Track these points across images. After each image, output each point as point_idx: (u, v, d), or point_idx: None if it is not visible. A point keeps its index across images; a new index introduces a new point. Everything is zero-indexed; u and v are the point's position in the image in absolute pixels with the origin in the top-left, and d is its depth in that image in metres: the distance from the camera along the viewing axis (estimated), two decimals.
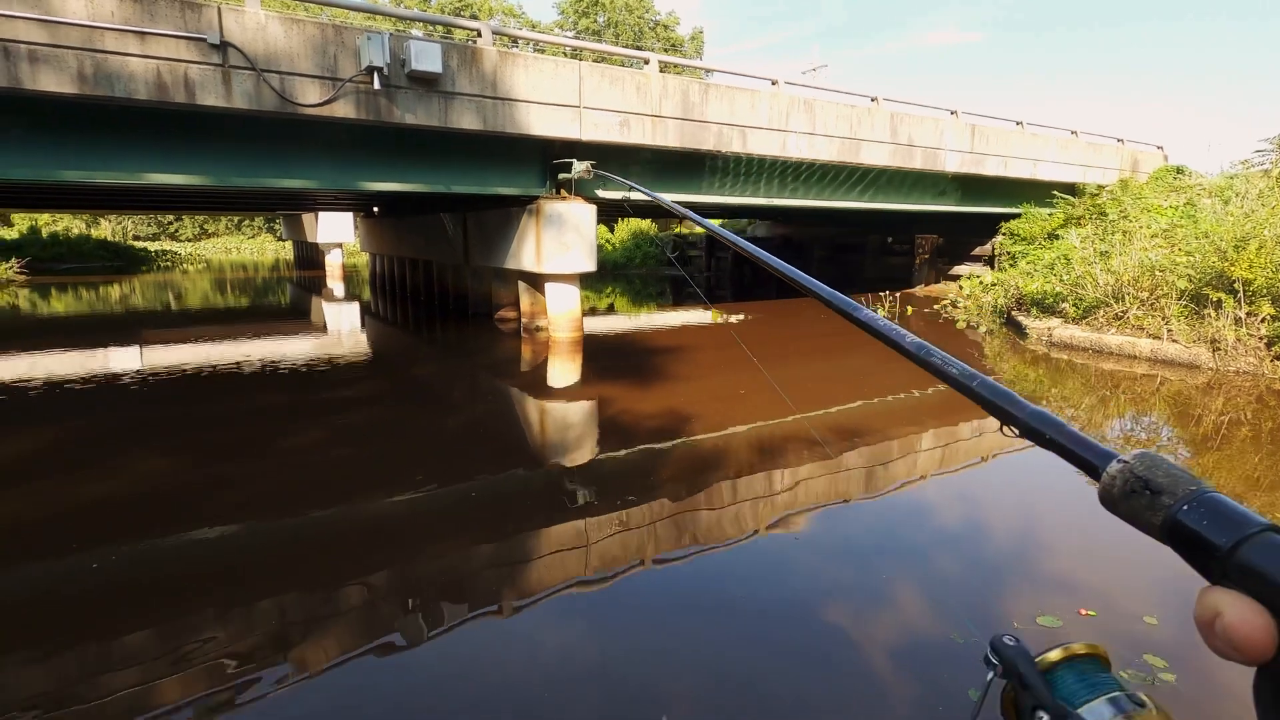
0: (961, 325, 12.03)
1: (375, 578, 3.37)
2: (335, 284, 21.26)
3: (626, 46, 36.69)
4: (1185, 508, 0.35)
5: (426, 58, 7.34)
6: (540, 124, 8.47)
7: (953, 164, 12.80)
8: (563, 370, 8.51)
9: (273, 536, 3.85)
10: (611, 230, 28.89)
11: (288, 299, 18.65)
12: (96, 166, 6.89)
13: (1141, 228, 11.20)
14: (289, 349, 9.90)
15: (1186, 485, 0.36)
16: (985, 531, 4.01)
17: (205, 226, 51.95)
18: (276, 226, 47.57)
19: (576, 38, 36.03)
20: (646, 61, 9.51)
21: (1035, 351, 9.55)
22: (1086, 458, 0.44)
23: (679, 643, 2.78)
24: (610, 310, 15.69)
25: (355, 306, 16.05)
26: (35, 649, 2.74)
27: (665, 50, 38.55)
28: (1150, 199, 13.43)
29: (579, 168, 8.82)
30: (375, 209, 17.93)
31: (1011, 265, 14.40)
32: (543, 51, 10.84)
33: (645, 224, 28.58)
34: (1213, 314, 8.37)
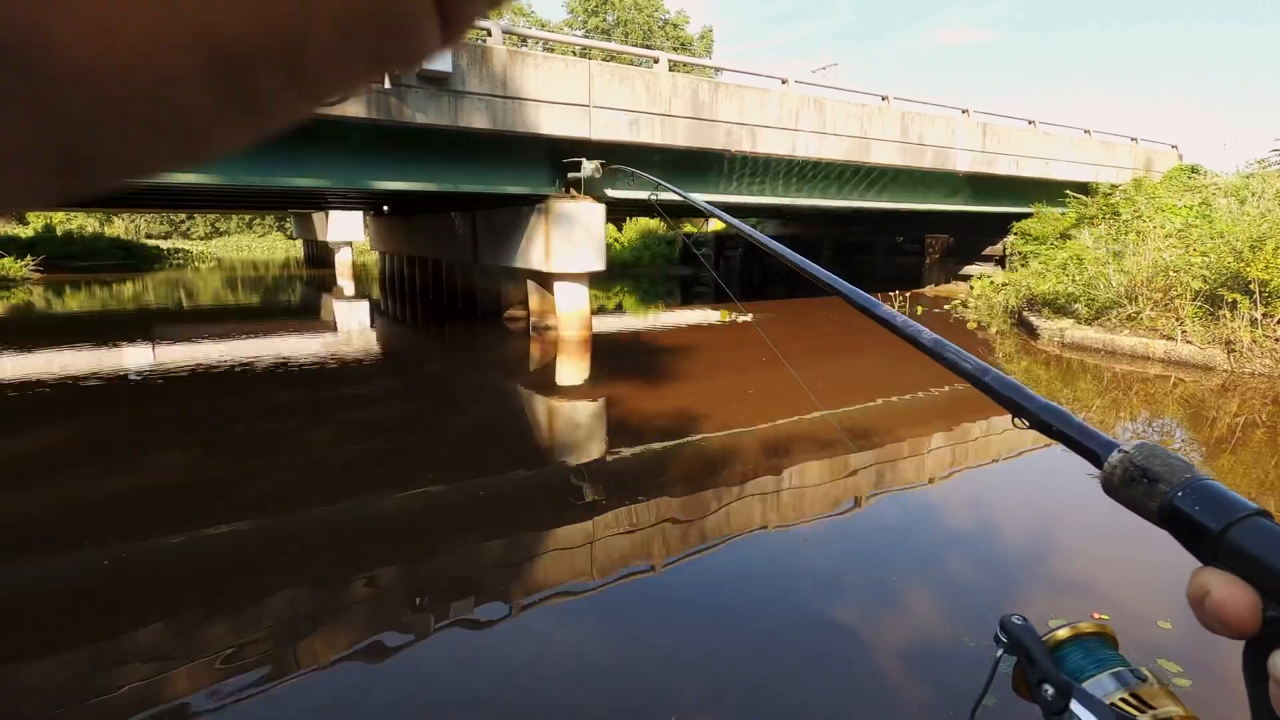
0: (972, 326, 11.95)
1: (384, 574, 3.38)
2: (345, 282, 21.36)
3: (636, 45, 36.70)
4: (1180, 494, 0.37)
5: (437, 57, 7.34)
6: (549, 123, 8.48)
7: (964, 163, 12.71)
8: (571, 369, 8.51)
9: (283, 533, 3.87)
10: (620, 230, 28.90)
11: (298, 297, 18.77)
12: None
13: (1156, 228, 11.08)
14: (299, 347, 9.96)
15: (1182, 473, 0.38)
16: (998, 533, 3.98)
17: (217, 225, 52.35)
18: (287, 225, 47.86)
19: (586, 37, 36.05)
20: (656, 60, 9.50)
21: (1047, 352, 9.48)
22: (1090, 447, 0.46)
23: (688, 643, 2.77)
24: (619, 309, 15.70)
25: (365, 305, 16.13)
26: (49, 642, 2.77)
27: (674, 49, 38.50)
28: (1164, 199, 13.29)
29: (588, 167, 8.83)
30: (385, 208, 18.01)
31: (1023, 265, 14.28)
32: (552, 51, 10.85)
33: (654, 223, 28.56)
34: (1228, 315, 8.27)
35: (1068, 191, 14.59)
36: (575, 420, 6.42)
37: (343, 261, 23.51)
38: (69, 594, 3.15)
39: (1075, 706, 0.43)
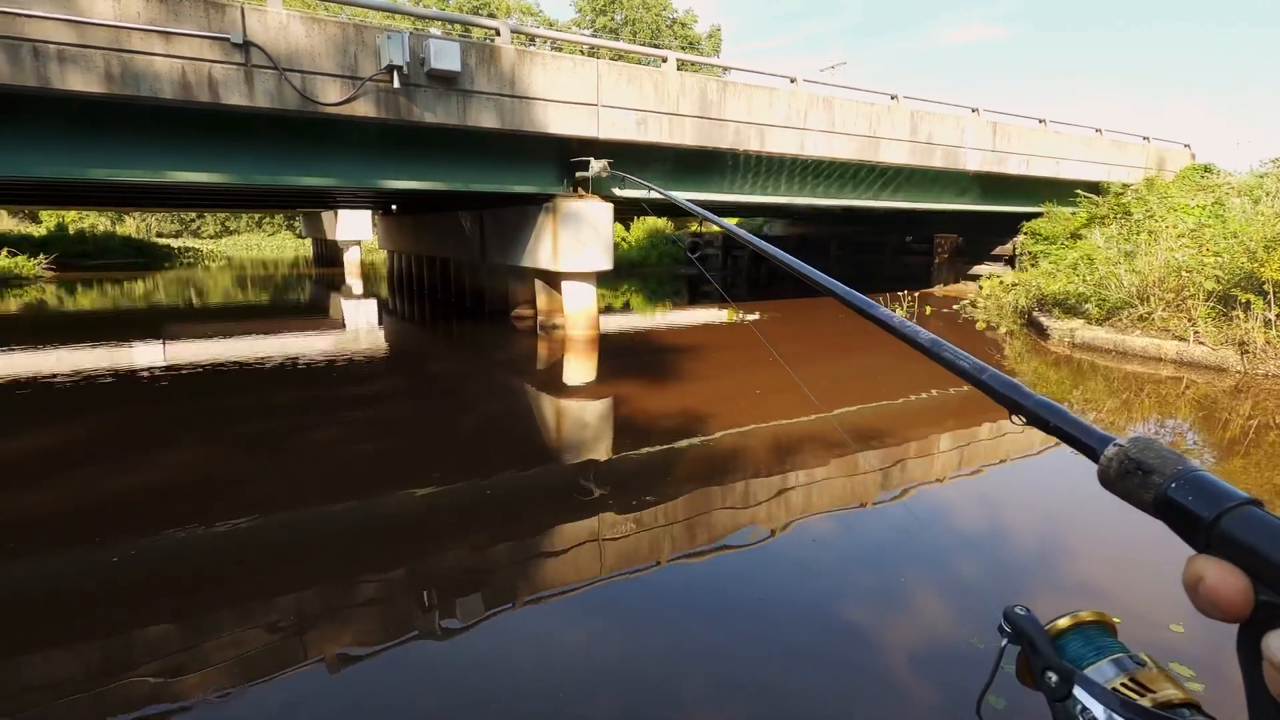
0: (981, 326, 11.88)
1: (392, 573, 3.39)
2: (353, 281, 21.45)
3: (644, 45, 36.66)
4: (1174, 485, 0.39)
5: (446, 56, 7.37)
6: (558, 122, 8.48)
7: (974, 162, 12.64)
8: (579, 368, 8.52)
9: (291, 531, 3.89)
10: (627, 229, 28.89)
11: (307, 296, 18.86)
12: (122, 165, 7.00)
13: (1168, 227, 10.99)
14: (308, 345, 10.01)
15: (1175, 465, 0.40)
16: (1007, 535, 3.96)
17: (227, 224, 52.67)
18: (296, 224, 48.09)
19: (594, 36, 36.02)
20: (664, 59, 9.49)
21: (1057, 353, 9.41)
22: (1086, 442, 0.48)
23: (695, 643, 2.77)
24: (626, 309, 15.69)
25: (373, 303, 16.19)
26: (57, 640, 2.79)
27: (682, 48, 38.45)
28: (1177, 198, 13.17)
29: (596, 166, 8.83)
30: (394, 207, 18.08)
31: (1033, 265, 14.19)
32: (560, 50, 10.86)
33: (661, 223, 28.55)
34: (1241, 316, 8.19)
35: (1079, 191, 14.48)
36: (582, 419, 6.42)
37: (351, 260, 23.62)
38: (77, 590, 3.17)
39: (1078, 692, 0.45)
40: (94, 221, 38.81)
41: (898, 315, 0.76)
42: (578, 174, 9.40)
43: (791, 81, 10.46)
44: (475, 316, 12.58)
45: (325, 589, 3.23)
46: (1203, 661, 2.51)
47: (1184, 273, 9.22)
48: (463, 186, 9.00)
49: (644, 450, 5.27)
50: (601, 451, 5.41)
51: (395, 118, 7.40)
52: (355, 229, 22.93)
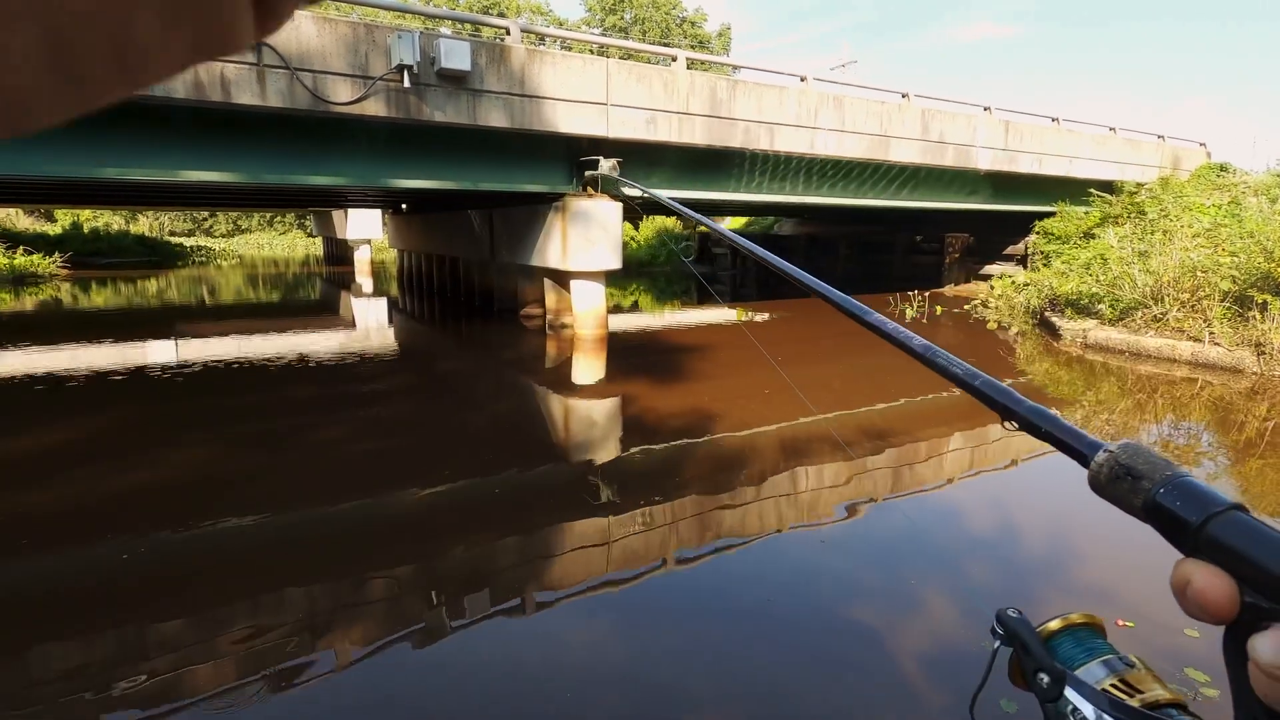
0: (992, 326, 11.79)
1: (400, 572, 3.40)
2: (364, 280, 21.57)
3: (653, 44, 36.64)
4: (1162, 490, 0.39)
5: (456, 56, 7.39)
6: (567, 121, 8.49)
7: (985, 161, 12.54)
8: (587, 367, 8.52)
9: (300, 529, 3.91)
10: (636, 228, 28.88)
11: (318, 294, 18.97)
12: (135, 164, 7.06)
13: (1183, 227, 10.86)
14: (319, 343, 10.07)
15: (1163, 470, 0.40)
16: (1018, 538, 3.92)
17: (238, 223, 53.09)
18: (307, 223, 48.43)
19: (603, 35, 36.03)
20: (674, 59, 9.47)
21: (1070, 353, 9.32)
22: (1077, 448, 0.48)
23: (702, 645, 2.76)
24: (635, 308, 15.69)
25: (383, 302, 16.27)
26: (65, 635, 2.82)
27: (692, 47, 38.39)
28: (1192, 197, 13.02)
29: (605, 165, 8.82)
30: (404, 206, 18.14)
31: (1045, 265, 14.07)
32: (570, 49, 10.86)
33: (670, 222, 28.51)
34: (1258, 316, 8.09)
35: (1092, 190, 14.34)
36: (591, 418, 6.42)
37: (361, 259, 23.75)
38: (83, 586, 3.20)
39: (1069, 693, 0.46)
40: (108, 220, 39.22)
41: (890, 320, 0.75)
42: (587, 173, 9.39)
43: (802, 80, 10.42)
44: (484, 315, 12.61)
45: (334, 587, 3.24)
46: (1218, 667, 2.47)
47: (1199, 273, 9.12)
48: (472, 186, 9.02)
49: (651, 449, 5.27)
50: (609, 451, 5.41)
51: (405, 117, 7.42)
52: (365, 228, 23.05)
